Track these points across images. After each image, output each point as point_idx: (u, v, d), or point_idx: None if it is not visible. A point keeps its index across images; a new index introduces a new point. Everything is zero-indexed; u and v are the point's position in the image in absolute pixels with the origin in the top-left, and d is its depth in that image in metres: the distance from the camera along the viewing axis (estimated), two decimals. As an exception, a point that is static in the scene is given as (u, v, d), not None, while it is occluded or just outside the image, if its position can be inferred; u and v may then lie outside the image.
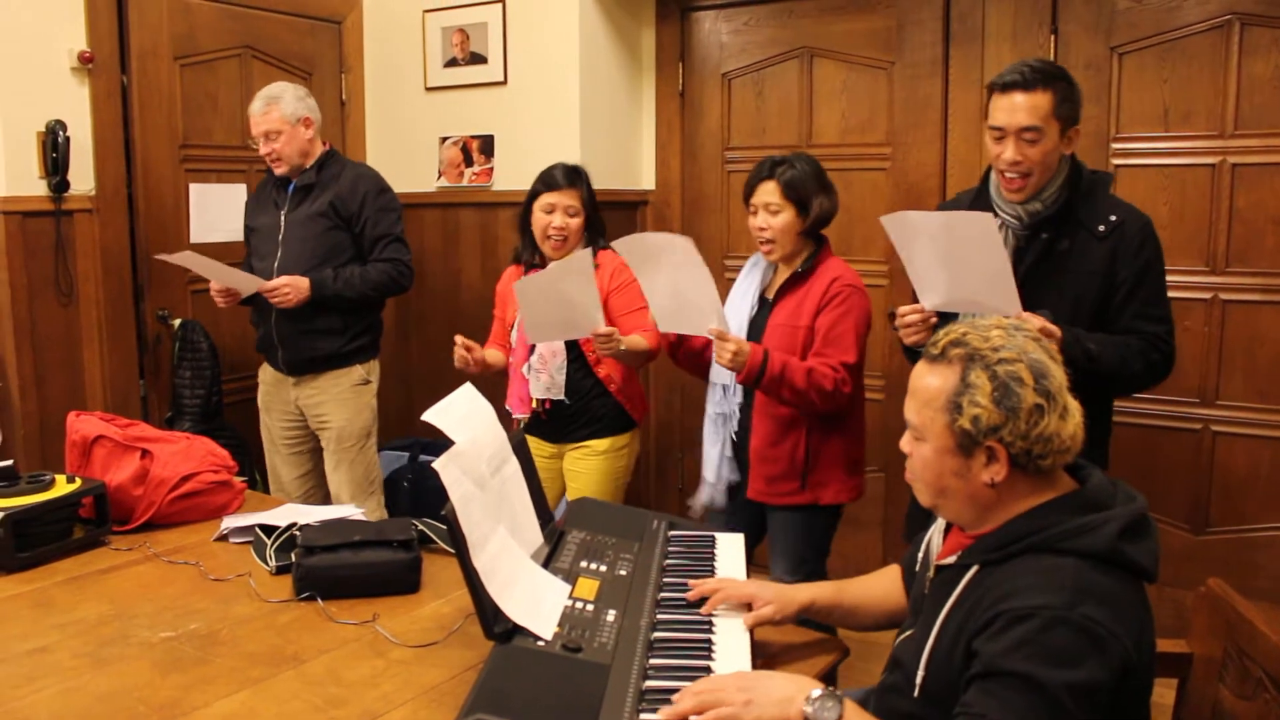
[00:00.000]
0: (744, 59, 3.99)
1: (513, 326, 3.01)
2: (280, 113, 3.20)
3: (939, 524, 1.64)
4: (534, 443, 3.00)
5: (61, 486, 2.23)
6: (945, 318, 2.32)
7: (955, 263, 2.15)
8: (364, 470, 3.43)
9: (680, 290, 2.48)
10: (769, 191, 2.59)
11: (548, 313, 2.73)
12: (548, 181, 2.94)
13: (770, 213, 2.59)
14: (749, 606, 1.71)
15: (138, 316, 3.60)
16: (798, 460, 2.60)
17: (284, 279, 3.15)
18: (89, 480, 2.29)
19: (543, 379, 2.92)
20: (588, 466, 2.98)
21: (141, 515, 2.34)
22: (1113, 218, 2.25)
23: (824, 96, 3.84)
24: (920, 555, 1.66)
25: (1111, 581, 1.33)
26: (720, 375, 2.68)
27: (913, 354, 2.43)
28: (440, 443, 4.10)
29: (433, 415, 1.71)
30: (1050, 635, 1.27)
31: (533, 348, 2.93)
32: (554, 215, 2.91)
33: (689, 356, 2.75)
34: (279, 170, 3.28)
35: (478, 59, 4.06)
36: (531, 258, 3.01)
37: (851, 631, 1.88)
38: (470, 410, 1.77)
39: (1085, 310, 2.24)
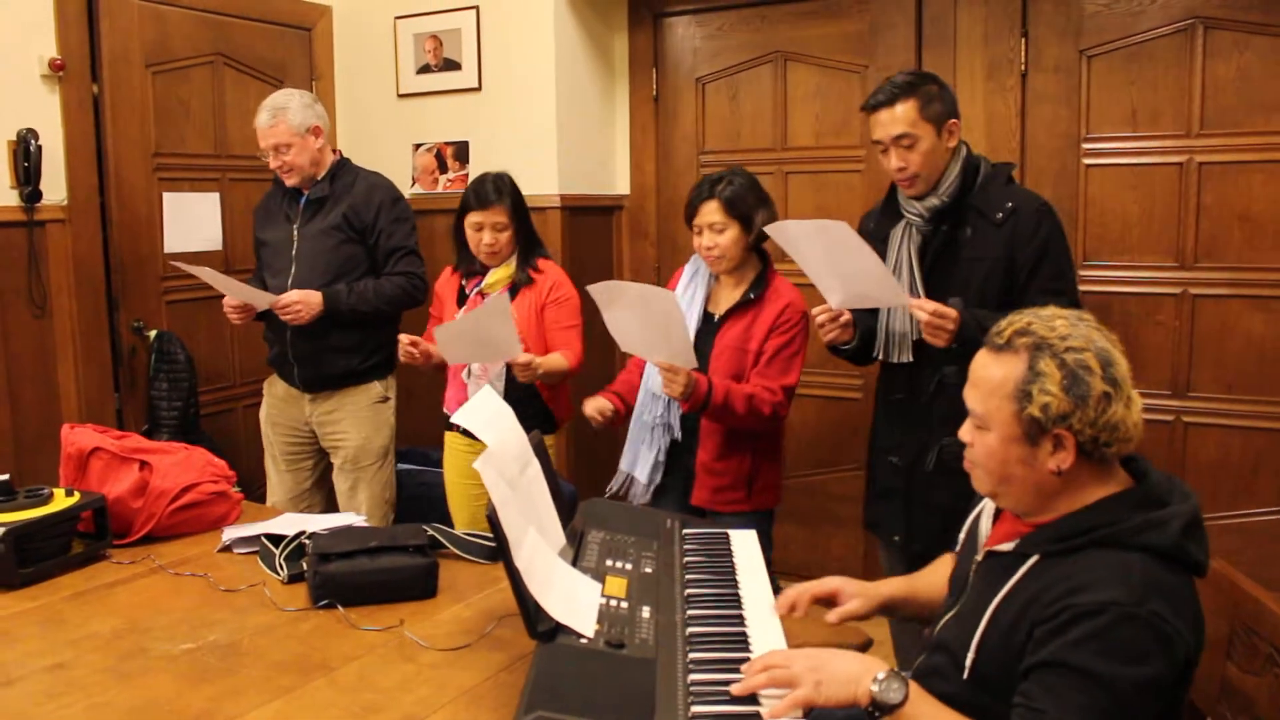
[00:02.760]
0: (718, 63, 4.03)
1: None
2: (288, 124, 3.10)
3: (987, 507, 1.65)
4: (462, 441, 3.06)
5: (60, 500, 2.18)
6: (866, 313, 2.52)
7: (836, 264, 2.33)
8: (381, 488, 3.37)
9: (651, 330, 2.53)
10: (711, 211, 2.65)
11: (463, 347, 2.80)
12: (475, 196, 2.94)
13: (715, 231, 2.65)
14: (831, 602, 1.73)
15: (112, 328, 3.53)
16: (743, 473, 2.70)
17: (295, 294, 3.07)
18: (87, 493, 2.25)
19: (481, 385, 2.92)
20: None
21: (141, 528, 2.30)
22: (1009, 204, 2.42)
23: (798, 100, 3.89)
24: (964, 536, 1.68)
25: (1174, 578, 1.36)
26: (662, 389, 2.71)
27: (838, 352, 2.60)
28: (418, 451, 4.09)
29: (462, 417, 1.72)
30: (1119, 631, 1.29)
31: None
32: (484, 233, 2.93)
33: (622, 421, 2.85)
34: (290, 182, 3.18)
35: (451, 65, 4.05)
36: (470, 265, 3.02)
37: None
38: (495, 412, 1.77)
39: (991, 294, 2.40)
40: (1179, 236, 3.30)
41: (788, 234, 2.40)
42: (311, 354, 3.20)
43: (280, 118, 3.11)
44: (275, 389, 3.39)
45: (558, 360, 2.89)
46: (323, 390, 3.27)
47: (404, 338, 2.92)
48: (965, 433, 1.53)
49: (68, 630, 1.87)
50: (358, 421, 3.29)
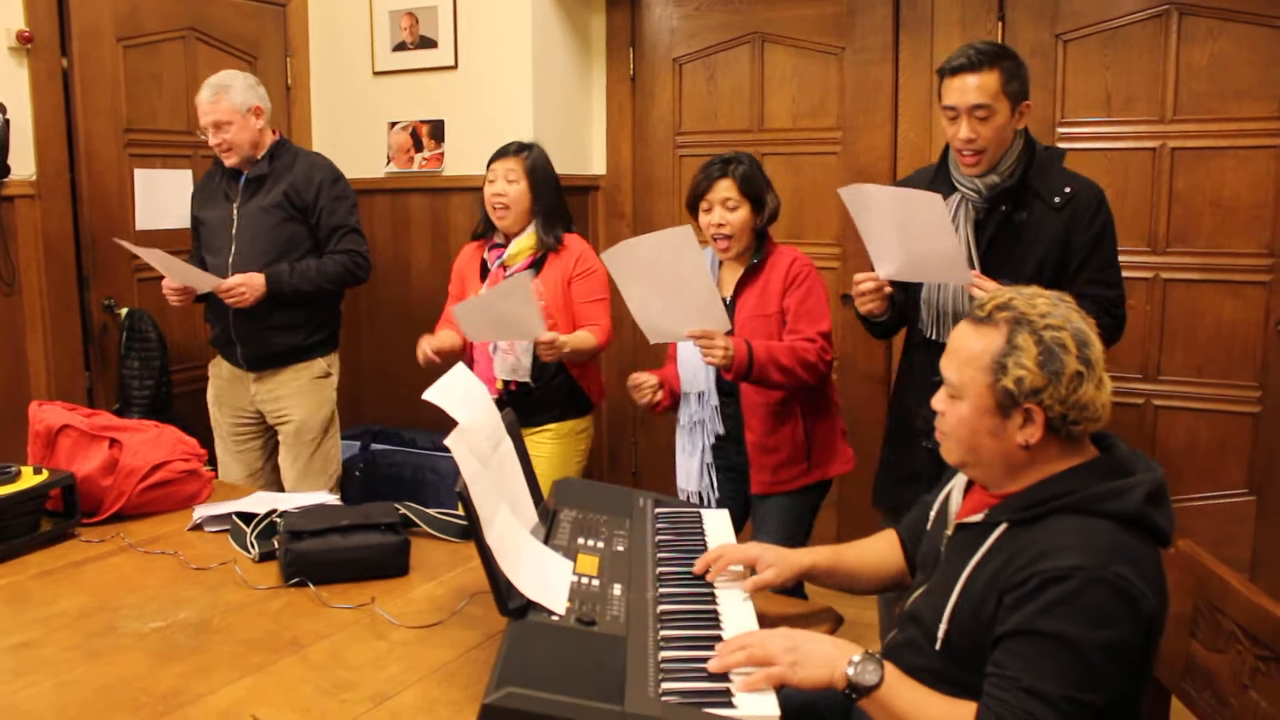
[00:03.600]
0: (695, 44, 4.01)
1: None
2: (230, 102, 3.10)
3: (958, 482, 1.68)
4: None
5: (29, 478, 2.17)
6: (900, 287, 2.45)
7: (908, 237, 2.26)
8: (322, 463, 3.38)
9: (673, 292, 2.46)
10: (725, 188, 2.62)
11: (484, 325, 2.78)
12: (495, 154, 2.99)
13: (728, 209, 2.62)
14: (751, 570, 1.74)
15: (82, 305, 3.49)
16: (799, 442, 2.64)
17: (239, 278, 3.07)
18: (56, 471, 2.23)
19: (509, 360, 2.92)
20: (547, 451, 2.99)
21: (111, 506, 2.28)
22: (1067, 189, 2.37)
23: (775, 81, 3.89)
24: (934, 513, 1.70)
25: (1138, 543, 1.39)
26: (694, 384, 2.68)
27: (869, 324, 2.53)
28: (391, 431, 4.08)
29: (433, 394, 1.71)
30: (1086, 595, 1.32)
31: None
32: (495, 183, 2.93)
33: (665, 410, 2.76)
34: (229, 161, 3.18)
35: (427, 43, 4.02)
36: (489, 232, 3.03)
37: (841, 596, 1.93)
38: (468, 389, 1.77)
39: (1044, 278, 2.34)
40: (1151, 221, 3.33)
41: (864, 197, 2.30)
42: (254, 333, 3.20)
43: (222, 95, 3.11)
44: (220, 370, 3.39)
45: (584, 338, 2.87)
46: (266, 369, 3.27)
47: (425, 346, 2.91)
48: (938, 401, 1.56)
49: (35, 609, 1.86)
50: (301, 397, 3.29)
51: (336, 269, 3.20)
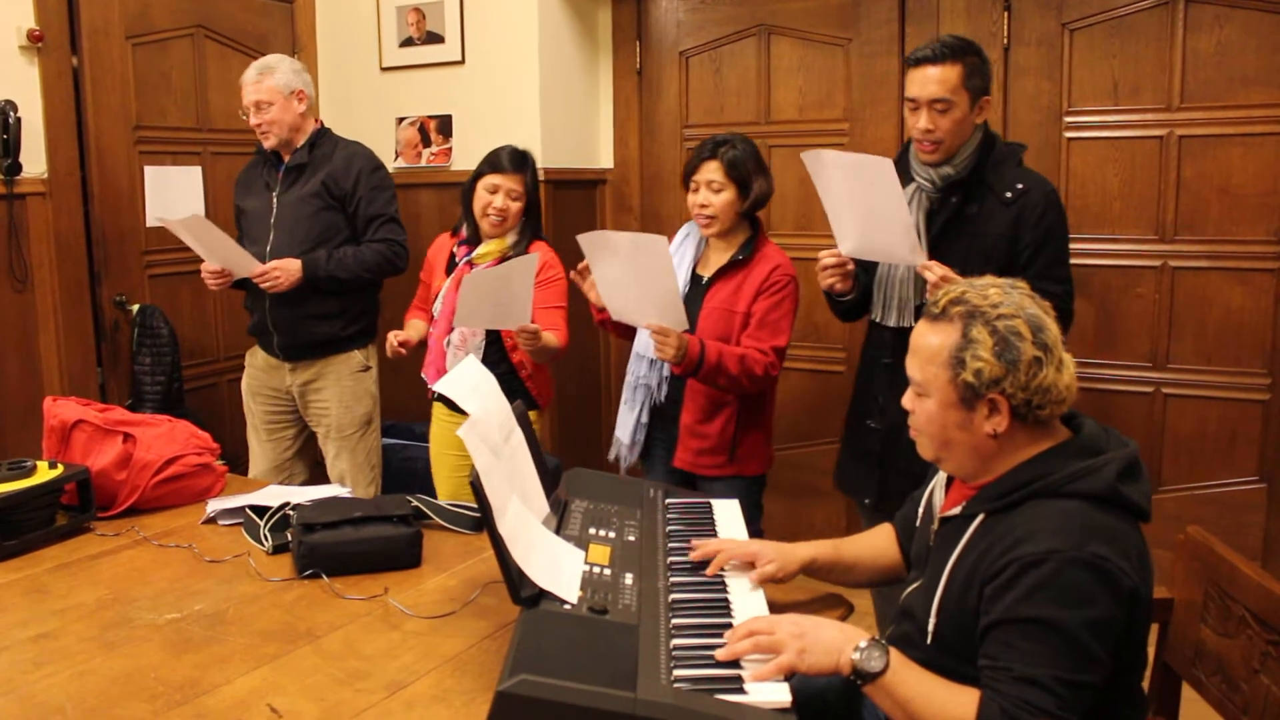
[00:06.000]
0: (701, 37, 4.01)
1: (437, 296, 3.02)
2: (273, 82, 3.12)
3: (940, 479, 1.70)
4: (445, 412, 3.08)
5: (44, 473, 2.19)
6: (864, 268, 2.52)
7: (865, 207, 2.32)
8: (365, 457, 3.39)
9: (640, 286, 2.52)
10: (712, 170, 2.65)
11: (483, 306, 2.78)
12: (494, 164, 2.96)
13: (712, 190, 2.65)
14: (752, 565, 1.75)
15: (94, 302, 3.51)
16: (726, 437, 2.70)
17: (273, 263, 3.08)
18: (71, 466, 2.25)
19: (460, 356, 2.93)
20: None
21: (125, 500, 2.30)
22: (1019, 185, 2.43)
23: (781, 74, 3.89)
24: (921, 510, 1.72)
25: (1114, 520, 1.40)
26: (648, 349, 2.71)
27: (834, 302, 2.60)
28: (403, 425, 4.09)
29: (444, 386, 1.72)
30: (1063, 577, 1.33)
31: None
32: (496, 196, 2.93)
33: (616, 325, 2.80)
34: (268, 144, 3.19)
35: (434, 38, 4.03)
36: (470, 232, 3.03)
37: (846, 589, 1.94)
38: (478, 380, 1.78)
39: (991, 271, 2.35)
40: (1159, 209, 3.32)
41: (823, 162, 2.36)
42: (291, 321, 3.20)
43: (266, 75, 3.13)
44: (256, 359, 3.40)
45: (553, 338, 2.91)
46: (302, 359, 3.28)
47: (393, 339, 2.93)
48: (907, 400, 1.58)
49: (52, 601, 1.88)
50: (339, 391, 3.30)
51: (374, 257, 3.20)
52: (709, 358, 2.53)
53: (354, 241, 3.23)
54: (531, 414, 3.04)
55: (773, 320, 2.65)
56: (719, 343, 2.59)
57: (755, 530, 2.77)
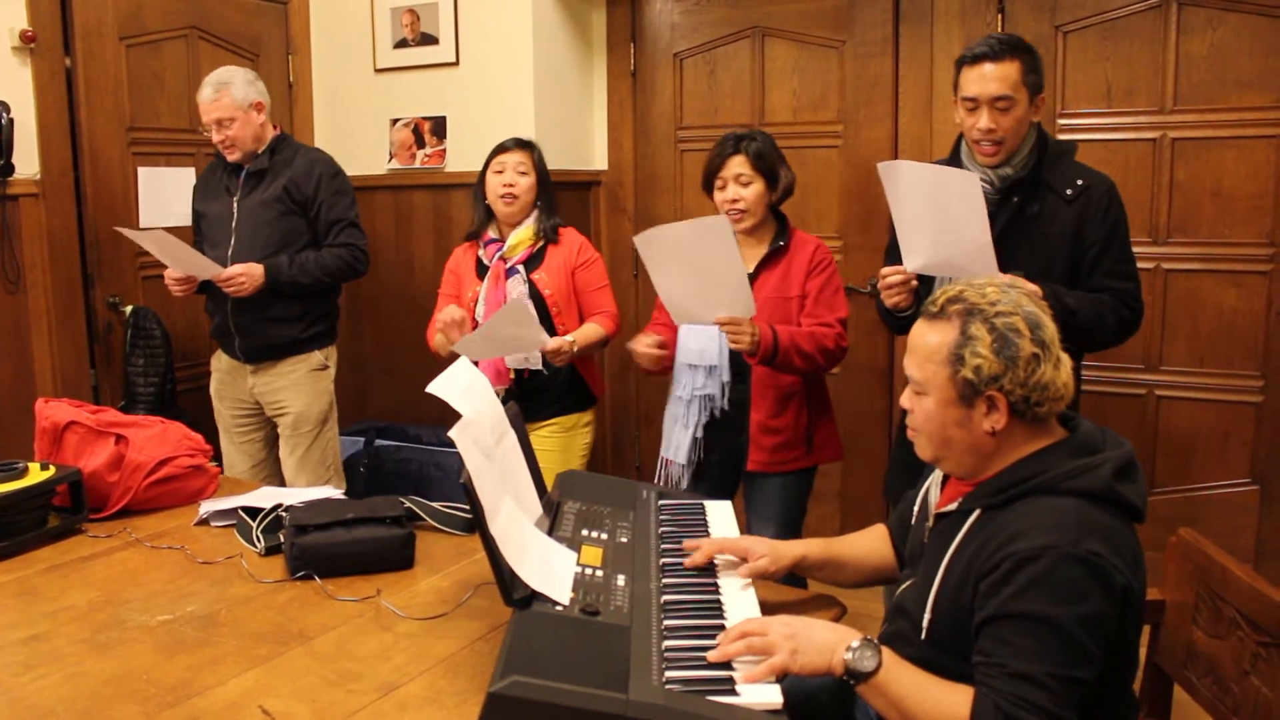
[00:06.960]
0: (695, 39, 4.02)
1: (475, 302, 3.01)
2: (231, 98, 3.13)
3: (936, 476, 1.70)
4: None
5: (35, 474, 2.18)
6: (924, 281, 2.41)
7: (940, 220, 2.23)
8: (320, 455, 3.41)
9: (704, 276, 2.47)
10: (738, 164, 2.65)
11: (489, 348, 2.81)
12: (499, 147, 3.02)
13: (741, 184, 2.65)
14: (744, 560, 1.76)
15: (87, 303, 3.50)
16: (801, 427, 2.68)
17: (238, 267, 3.10)
18: (63, 467, 2.25)
19: (522, 361, 2.93)
20: (552, 444, 3.02)
21: (118, 501, 2.30)
22: (1079, 182, 2.37)
23: (776, 75, 3.89)
24: (916, 508, 1.73)
25: (1109, 519, 1.41)
26: (703, 358, 2.67)
27: (893, 317, 2.52)
28: (396, 427, 4.09)
29: (436, 387, 1.72)
30: (1058, 573, 1.34)
31: None
32: (504, 173, 2.97)
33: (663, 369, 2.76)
34: (233, 157, 3.21)
35: (429, 40, 4.03)
36: (483, 230, 3.04)
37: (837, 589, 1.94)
38: (471, 382, 1.78)
39: (1056, 270, 2.35)
40: (1152, 212, 3.33)
41: (899, 174, 2.28)
42: (252, 325, 3.23)
43: (224, 92, 3.14)
44: (220, 362, 3.44)
45: (591, 331, 2.93)
46: (264, 361, 3.31)
47: (451, 315, 2.86)
48: (906, 399, 1.59)
49: (44, 603, 1.87)
50: (298, 390, 3.32)
51: (335, 262, 3.23)
52: (782, 340, 2.50)
53: (315, 246, 3.26)
54: (586, 414, 3.09)
55: (828, 295, 2.65)
56: (786, 325, 2.57)
57: (799, 532, 2.77)
